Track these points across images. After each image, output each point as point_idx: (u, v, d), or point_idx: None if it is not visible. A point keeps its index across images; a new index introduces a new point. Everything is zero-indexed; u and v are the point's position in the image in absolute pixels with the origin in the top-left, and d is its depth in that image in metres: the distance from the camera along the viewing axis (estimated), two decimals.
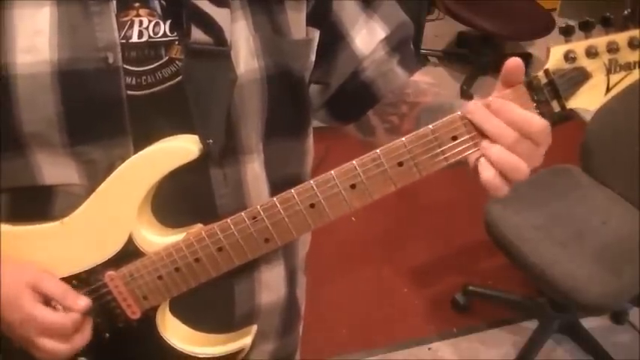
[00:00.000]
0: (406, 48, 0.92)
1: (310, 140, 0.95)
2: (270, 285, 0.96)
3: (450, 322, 2.37)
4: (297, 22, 0.84)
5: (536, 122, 0.70)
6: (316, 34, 0.86)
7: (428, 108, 0.86)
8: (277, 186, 0.87)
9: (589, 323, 2.31)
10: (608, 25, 0.69)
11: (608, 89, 0.71)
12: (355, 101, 0.91)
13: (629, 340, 2.35)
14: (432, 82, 0.91)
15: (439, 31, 3.88)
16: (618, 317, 2.40)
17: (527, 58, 3.62)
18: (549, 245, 1.97)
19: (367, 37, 0.88)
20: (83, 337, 0.85)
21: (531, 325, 2.31)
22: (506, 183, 0.72)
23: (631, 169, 2.07)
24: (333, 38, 0.88)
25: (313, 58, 0.87)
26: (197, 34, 0.77)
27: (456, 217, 2.77)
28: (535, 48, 3.60)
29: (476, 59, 3.72)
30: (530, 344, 2.23)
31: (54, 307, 0.83)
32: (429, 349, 2.29)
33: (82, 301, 0.84)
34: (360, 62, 0.89)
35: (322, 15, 0.86)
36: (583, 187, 2.19)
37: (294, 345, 1.10)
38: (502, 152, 0.71)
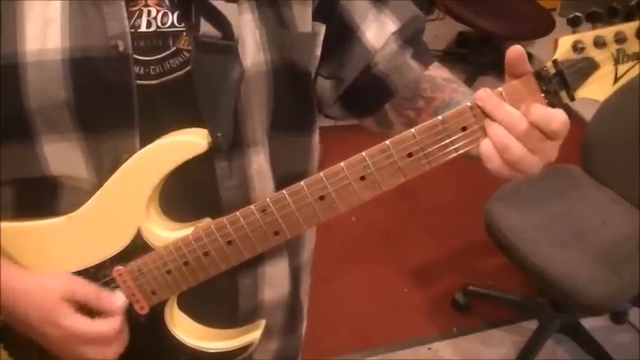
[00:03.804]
0: (419, 41, 0.92)
1: (316, 137, 0.95)
2: (274, 281, 0.96)
3: (450, 322, 2.37)
4: (302, 16, 0.84)
5: (557, 119, 0.70)
6: (322, 29, 0.86)
7: (445, 104, 0.86)
8: (282, 181, 0.87)
9: (589, 323, 2.31)
10: (615, 15, 0.69)
11: (616, 79, 0.71)
12: (370, 95, 0.91)
13: (629, 340, 2.35)
14: (449, 77, 0.91)
15: (439, 31, 3.88)
16: (618, 317, 2.40)
17: (527, 58, 3.62)
18: (549, 245, 1.97)
19: (378, 30, 0.88)
20: (123, 340, 0.86)
21: (531, 325, 2.31)
22: (509, 166, 0.72)
23: (631, 169, 2.07)
24: (344, 32, 0.88)
25: (319, 52, 0.87)
26: (206, 28, 0.78)
27: (456, 217, 2.77)
28: (535, 48, 3.60)
29: (476, 59, 3.72)
30: (530, 344, 2.23)
31: (90, 314, 0.83)
32: (429, 349, 2.29)
33: (119, 300, 0.84)
34: (372, 56, 0.89)
35: (329, 9, 0.86)
36: (583, 187, 2.19)
37: (297, 346, 1.10)
38: (501, 130, 0.71)
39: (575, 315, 2.29)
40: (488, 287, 2.47)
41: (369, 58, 0.89)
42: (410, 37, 0.90)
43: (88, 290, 0.83)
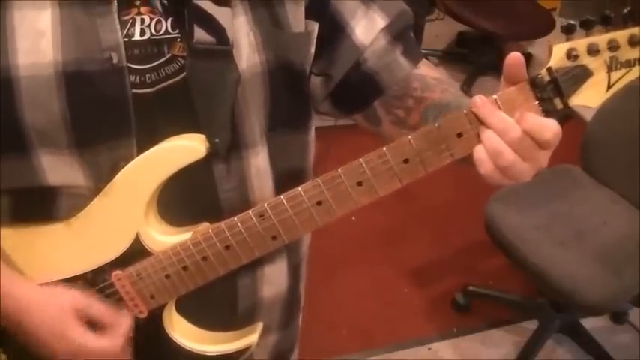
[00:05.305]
0: (408, 37, 0.92)
1: (312, 134, 0.95)
2: (273, 279, 0.97)
3: (450, 322, 2.37)
4: (295, 16, 0.84)
5: (550, 129, 0.70)
6: (315, 27, 0.86)
7: (435, 104, 0.86)
8: (281, 180, 0.87)
9: (589, 323, 2.31)
10: (608, 23, 0.70)
11: (609, 86, 0.72)
12: (359, 92, 0.91)
13: (629, 340, 2.35)
14: (439, 77, 0.91)
15: (439, 31, 3.88)
16: (618, 317, 2.40)
17: (527, 58, 3.61)
18: (549, 245, 1.97)
19: (367, 27, 0.88)
20: (126, 357, 0.87)
21: (531, 325, 2.31)
22: (500, 172, 0.72)
23: (631, 169, 2.07)
24: (333, 30, 0.88)
25: (313, 50, 0.87)
26: (200, 34, 0.78)
27: (456, 217, 2.77)
28: (535, 48, 3.60)
29: (476, 59, 3.72)
30: (530, 344, 2.23)
31: (96, 330, 0.84)
32: (429, 349, 2.29)
33: (127, 320, 0.85)
34: (362, 53, 0.89)
35: (320, 7, 0.86)
36: (583, 187, 2.19)
37: (294, 337, 1.11)
38: (494, 137, 0.71)
39: (575, 315, 2.29)
40: (488, 287, 2.47)
41: (358, 54, 0.88)
42: (399, 33, 0.90)
43: (99, 306, 0.85)
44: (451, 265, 2.60)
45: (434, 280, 2.54)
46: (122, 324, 0.85)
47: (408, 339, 2.31)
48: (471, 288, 2.40)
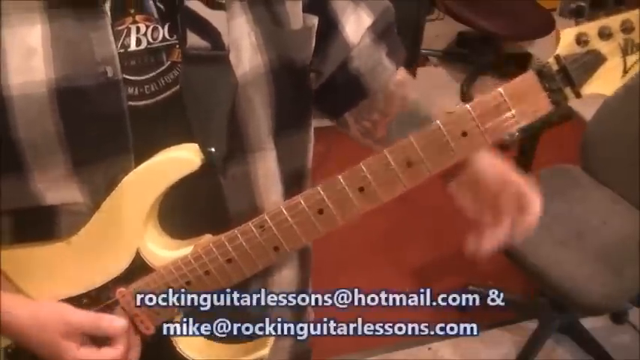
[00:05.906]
0: (391, 35, 0.91)
1: (312, 129, 0.93)
2: (283, 282, 0.95)
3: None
4: (294, 11, 0.82)
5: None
6: (315, 21, 0.84)
7: (398, 117, 0.87)
8: (288, 181, 0.86)
9: (589, 323, 2.31)
10: (621, 2, 0.66)
11: (625, 71, 0.67)
12: (343, 93, 0.91)
13: (629, 340, 2.35)
14: (401, 80, 0.92)
15: (439, 31, 3.88)
16: (618, 317, 2.40)
17: (527, 58, 3.62)
18: (549, 245, 1.97)
19: (355, 24, 0.87)
20: (135, 356, 0.85)
21: (531, 325, 2.31)
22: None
23: (631, 169, 2.07)
24: (328, 26, 0.87)
25: (313, 45, 0.85)
26: (193, 40, 0.75)
27: (456, 217, 2.76)
28: (535, 48, 3.60)
29: (476, 59, 3.71)
30: (530, 344, 2.23)
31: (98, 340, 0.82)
32: (429, 349, 2.29)
33: (118, 322, 0.82)
34: (350, 51, 0.88)
35: (319, 3, 0.85)
36: (583, 187, 2.19)
37: (308, 339, 1.10)
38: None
39: (575, 315, 2.29)
40: (488, 287, 2.46)
41: (346, 52, 0.88)
42: (382, 32, 0.89)
43: (85, 322, 0.81)
44: (451, 265, 2.60)
45: (434, 280, 2.53)
46: (115, 329, 0.82)
47: (407, 339, 2.30)
48: (470, 288, 2.40)
